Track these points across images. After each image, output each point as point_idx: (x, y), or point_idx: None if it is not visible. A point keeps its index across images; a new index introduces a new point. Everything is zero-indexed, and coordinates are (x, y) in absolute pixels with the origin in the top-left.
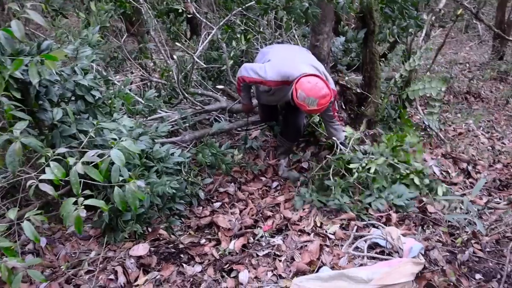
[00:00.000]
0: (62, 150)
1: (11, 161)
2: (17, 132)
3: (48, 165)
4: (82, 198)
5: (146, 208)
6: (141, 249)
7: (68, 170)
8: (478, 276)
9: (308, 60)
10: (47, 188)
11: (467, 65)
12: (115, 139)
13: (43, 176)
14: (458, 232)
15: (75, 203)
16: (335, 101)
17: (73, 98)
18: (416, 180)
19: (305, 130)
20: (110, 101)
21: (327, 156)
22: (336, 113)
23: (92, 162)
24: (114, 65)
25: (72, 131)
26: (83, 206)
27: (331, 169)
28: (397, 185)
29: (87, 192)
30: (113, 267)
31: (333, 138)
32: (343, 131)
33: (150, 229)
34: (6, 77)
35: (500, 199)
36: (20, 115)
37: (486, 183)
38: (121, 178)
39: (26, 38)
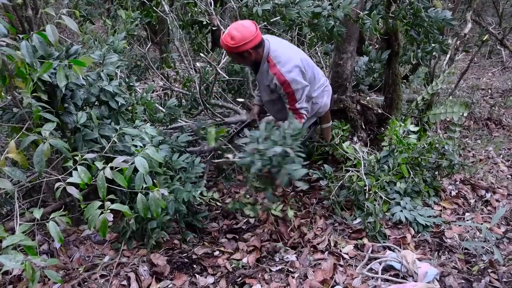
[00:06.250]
0: (90, 155)
1: (38, 161)
2: (46, 133)
3: (76, 169)
4: (109, 203)
5: (172, 215)
6: (157, 257)
7: (93, 175)
8: None
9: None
10: (73, 192)
11: (489, 91)
12: (136, 146)
13: (70, 179)
14: (474, 260)
15: (101, 206)
16: (293, 93)
17: (97, 103)
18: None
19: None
20: (131, 107)
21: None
22: (293, 106)
23: (116, 168)
24: (137, 73)
25: (94, 135)
26: (109, 210)
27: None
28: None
29: (111, 196)
30: (126, 273)
31: None
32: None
33: (166, 239)
34: (35, 79)
35: None
36: (48, 116)
37: (506, 211)
38: (143, 186)
39: None
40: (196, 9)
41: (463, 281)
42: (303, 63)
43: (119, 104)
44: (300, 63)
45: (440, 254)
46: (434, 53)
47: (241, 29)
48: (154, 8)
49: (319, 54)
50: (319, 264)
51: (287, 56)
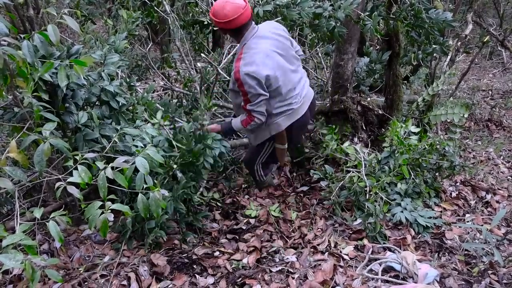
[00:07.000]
0: (90, 155)
1: (39, 160)
2: (47, 133)
3: (76, 169)
4: (110, 203)
5: (171, 215)
6: (157, 258)
7: (94, 174)
8: None
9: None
10: (74, 191)
11: (490, 92)
12: (137, 146)
13: (70, 179)
14: (474, 261)
15: (101, 206)
16: (246, 94)
17: (97, 103)
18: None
19: (262, 175)
20: (132, 107)
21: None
22: (245, 107)
23: (117, 168)
24: (138, 73)
25: (95, 135)
26: (109, 210)
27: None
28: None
29: (112, 196)
30: (126, 273)
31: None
32: (243, 126)
33: (165, 238)
34: (36, 78)
35: None
36: (49, 116)
37: (506, 213)
38: (144, 186)
39: None
40: (197, 9)
41: (463, 282)
42: (269, 77)
43: (120, 104)
44: (262, 74)
45: (440, 255)
46: (434, 54)
47: (221, 7)
48: (155, 8)
49: (320, 54)
50: (319, 265)
51: (254, 58)
